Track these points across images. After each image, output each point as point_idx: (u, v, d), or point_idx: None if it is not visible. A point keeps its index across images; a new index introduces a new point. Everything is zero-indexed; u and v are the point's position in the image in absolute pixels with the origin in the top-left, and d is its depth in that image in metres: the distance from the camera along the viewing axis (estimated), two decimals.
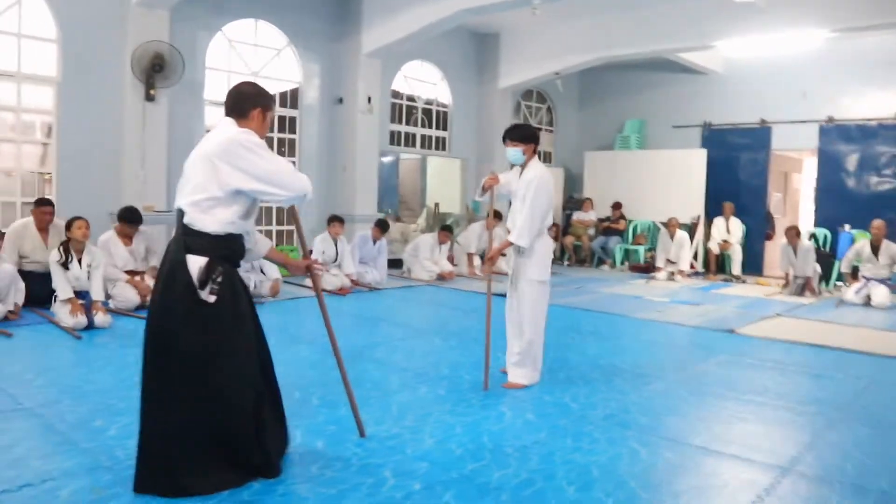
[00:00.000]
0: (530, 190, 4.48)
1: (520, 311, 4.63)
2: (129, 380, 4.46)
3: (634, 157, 13.48)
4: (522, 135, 4.66)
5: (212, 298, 2.83)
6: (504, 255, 5.15)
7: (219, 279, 2.84)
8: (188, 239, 2.87)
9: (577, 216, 13.33)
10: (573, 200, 14.18)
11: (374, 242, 9.48)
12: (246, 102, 3.01)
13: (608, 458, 3.38)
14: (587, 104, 15.14)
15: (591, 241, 12.99)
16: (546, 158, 14.86)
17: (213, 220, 2.87)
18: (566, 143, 15.08)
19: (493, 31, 12.61)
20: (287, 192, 2.89)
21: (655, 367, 5.27)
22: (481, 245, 10.82)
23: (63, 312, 6.03)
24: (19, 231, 6.88)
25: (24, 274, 6.60)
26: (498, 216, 10.67)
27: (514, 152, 4.65)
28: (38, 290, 6.49)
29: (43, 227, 6.98)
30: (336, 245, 8.87)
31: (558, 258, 13.15)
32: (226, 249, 2.92)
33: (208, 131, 9.43)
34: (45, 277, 6.31)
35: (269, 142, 10.14)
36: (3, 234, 6.94)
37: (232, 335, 2.90)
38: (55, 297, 6.14)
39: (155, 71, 8.25)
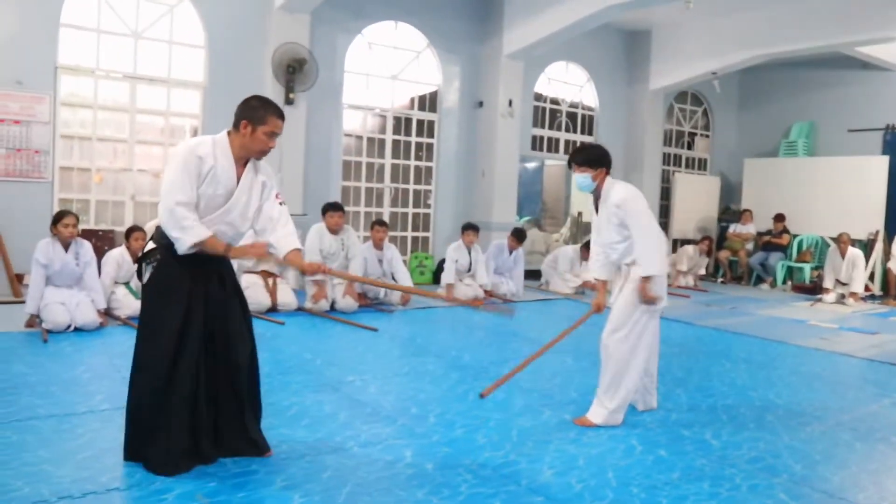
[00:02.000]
0: (629, 214, 4.00)
1: (613, 339, 4.13)
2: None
3: (801, 164, 12.58)
4: (590, 157, 4.12)
5: (144, 278, 3.23)
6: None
7: (152, 263, 3.19)
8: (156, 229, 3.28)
9: (734, 229, 12.61)
10: (730, 212, 13.45)
11: (510, 252, 9.34)
12: (237, 114, 3.22)
13: None
14: (748, 106, 14.29)
15: (749, 256, 12.25)
16: (701, 166, 14.17)
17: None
18: (724, 149, 14.33)
19: (644, 28, 12.16)
20: (160, 205, 3.11)
21: (816, 406, 4.78)
22: (574, 269, 10.26)
23: None
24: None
25: None
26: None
27: (583, 179, 4.13)
28: None
29: None
30: (470, 254, 8.82)
31: (711, 275, 12.49)
32: (170, 240, 3.13)
33: (347, 135, 9.82)
34: None
35: (408, 146, 10.29)
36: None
37: (151, 318, 3.17)
38: None
39: (290, 73, 8.55)
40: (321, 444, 3.56)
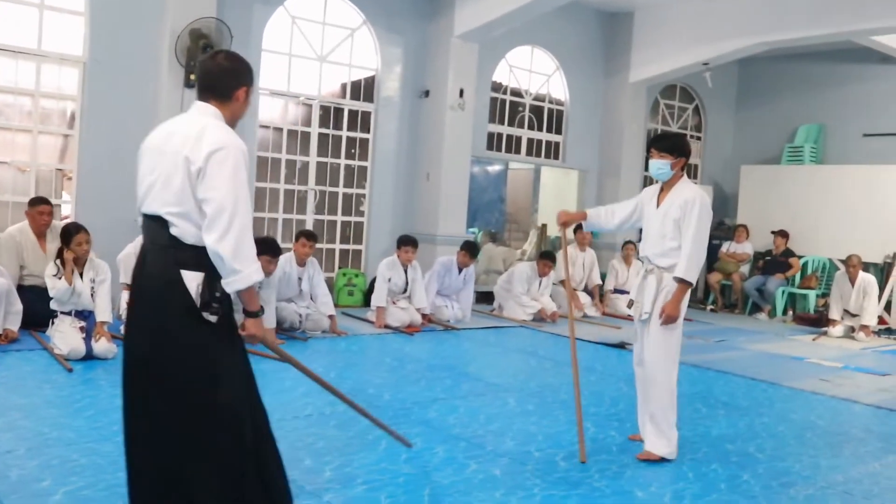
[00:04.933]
0: (692, 215, 4.49)
1: (652, 361, 4.59)
2: (107, 428, 4.36)
3: (808, 173, 12.74)
4: (672, 145, 4.69)
5: (214, 318, 2.87)
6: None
7: (220, 296, 2.88)
8: (178, 253, 2.87)
9: (728, 248, 12.67)
10: (723, 228, 13.52)
11: (460, 271, 9.21)
12: (231, 80, 2.98)
13: None
14: (747, 104, 14.47)
15: (743, 280, 12.31)
16: (691, 173, 14.22)
17: None
18: (717, 153, 14.47)
19: (625, 9, 12.21)
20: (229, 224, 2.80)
21: (805, 463, 4.69)
22: (532, 291, 9.98)
23: (59, 338, 6.07)
24: (16, 237, 7.00)
25: (22, 290, 6.71)
26: (550, 258, 10.02)
27: (661, 165, 4.65)
28: (40, 308, 6.54)
29: (41, 232, 7.11)
30: (406, 272, 8.66)
31: (700, 301, 12.50)
32: None
33: (263, 127, 9.62)
34: (47, 294, 6.36)
35: (338, 141, 10.13)
36: None
37: (231, 355, 2.98)
38: (53, 318, 6.22)
39: (202, 51, 8.33)
40: None
